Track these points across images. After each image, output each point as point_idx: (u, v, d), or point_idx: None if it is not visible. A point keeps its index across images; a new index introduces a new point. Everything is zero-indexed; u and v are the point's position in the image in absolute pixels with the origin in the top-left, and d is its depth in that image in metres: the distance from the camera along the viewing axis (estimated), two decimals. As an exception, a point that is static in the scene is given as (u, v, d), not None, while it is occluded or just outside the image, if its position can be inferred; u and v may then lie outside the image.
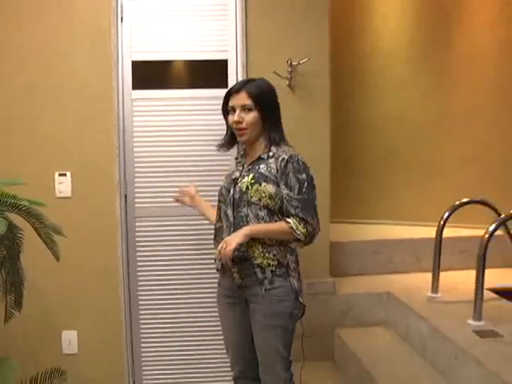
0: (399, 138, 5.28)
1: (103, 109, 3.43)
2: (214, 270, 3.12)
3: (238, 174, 2.61)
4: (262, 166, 2.53)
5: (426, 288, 3.72)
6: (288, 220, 2.43)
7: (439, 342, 3.08)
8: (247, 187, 2.49)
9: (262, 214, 2.47)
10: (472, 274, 3.14)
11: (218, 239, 2.61)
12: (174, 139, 3.52)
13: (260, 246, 2.48)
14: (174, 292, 3.58)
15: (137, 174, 3.50)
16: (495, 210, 3.52)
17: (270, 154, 2.55)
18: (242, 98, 2.53)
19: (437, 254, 3.67)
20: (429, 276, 3.73)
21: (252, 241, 2.46)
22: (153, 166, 3.51)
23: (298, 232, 2.41)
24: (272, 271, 2.48)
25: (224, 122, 2.71)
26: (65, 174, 3.42)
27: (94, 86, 3.41)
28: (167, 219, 3.54)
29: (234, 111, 2.55)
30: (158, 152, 3.51)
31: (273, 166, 2.50)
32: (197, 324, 3.62)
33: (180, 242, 3.56)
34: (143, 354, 3.62)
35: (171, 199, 3.34)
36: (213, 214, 2.78)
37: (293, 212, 2.44)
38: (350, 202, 4.84)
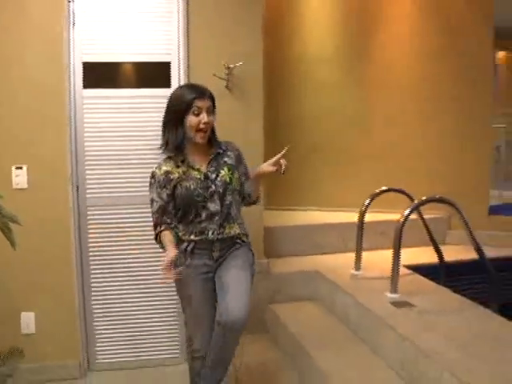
0: (325, 134, 5.59)
1: (56, 106, 3.56)
2: (163, 252, 3.41)
3: (201, 173, 2.75)
4: (226, 159, 2.84)
5: (350, 266, 4.04)
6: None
7: (361, 313, 3.37)
8: (230, 178, 2.79)
9: (237, 197, 2.86)
10: (390, 253, 3.45)
11: (192, 229, 2.77)
12: (122, 134, 3.71)
13: (237, 220, 2.86)
14: (123, 274, 3.81)
15: (87, 167, 3.68)
16: (410, 197, 3.87)
17: (223, 147, 2.86)
18: (207, 102, 2.71)
19: (359, 236, 4.01)
20: (353, 256, 4.05)
21: (232, 219, 2.82)
22: (102, 159, 3.70)
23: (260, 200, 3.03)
24: (244, 240, 2.89)
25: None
26: (21, 168, 3.54)
27: (47, 85, 3.53)
28: (117, 207, 3.74)
29: (199, 113, 2.69)
30: (106, 146, 3.70)
31: (232, 156, 2.85)
32: (146, 303, 3.86)
33: (129, 229, 3.77)
34: (97, 332, 3.83)
35: (120, 189, 3.62)
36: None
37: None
38: (283, 192, 5.07)
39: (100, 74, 3.68)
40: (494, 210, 5.68)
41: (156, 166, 2.82)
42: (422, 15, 5.30)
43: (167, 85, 3.73)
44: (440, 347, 2.66)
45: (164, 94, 3.56)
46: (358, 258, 4.03)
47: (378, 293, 3.51)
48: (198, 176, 2.76)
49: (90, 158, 3.70)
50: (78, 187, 3.68)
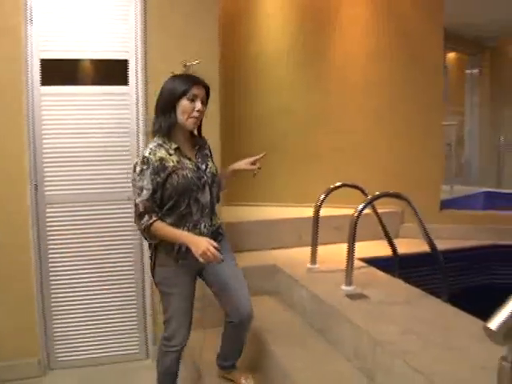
0: (282, 132, 5.65)
1: (13, 103, 3.55)
2: (122, 249, 3.43)
3: (192, 163, 2.76)
4: (206, 152, 2.92)
5: (306, 260, 4.12)
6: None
7: (317, 305, 3.44)
8: (216, 170, 2.87)
9: (217, 189, 2.91)
10: (345, 246, 3.54)
11: (185, 223, 2.74)
12: (80, 131, 3.73)
13: (216, 211, 2.93)
14: (83, 272, 3.84)
15: (46, 164, 3.68)
16: (364, 192, 3.98)
17: (202, 141, 2.91)
18: (203, 91, 2.74)
19: (315, 231, 4.09)
20: (309, 250, 4.13)
21: (215, 210, 2.90)
22: (61, 156, 3.71)
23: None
24: (223, 230, 2.97)
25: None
26: (-22, 165, 3.50)
27: (4, 81, 3.52)
28: (76, 205, 3.76)
29: (194, 100, 2.69)
30: (65, 143, 3.71)
31: (209, 150, 2.94)
32: (107, 301, 3.90)
33: (89, 226, 3.80)
34: (56, 330, 3.84)
35: (79, 186, 3.64)
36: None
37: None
38: (242, 188, 5.10)
39: (58, 71, 3.68)
40: (446, 204, 5.86)
41: (148, 151, 2.68)
42: (374, 16, 5.42)
43: (124, 82, 3.76)
44: (393, 337, 2.74)
45: (121, 91, 3.62)
46: (314, 252, 4.11)
47: (334, 286, 3.59)
48: (191, 166, 2.76)
49: (49, 155, 3.70)
50: (36, 184, 3.68)
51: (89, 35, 3.70)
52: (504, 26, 8.85)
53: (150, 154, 2.67)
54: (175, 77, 2.79)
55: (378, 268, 4.07)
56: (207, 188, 2.80)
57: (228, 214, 4.49)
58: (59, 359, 3.86)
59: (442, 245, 4.08)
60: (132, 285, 3.96)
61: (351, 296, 3.40)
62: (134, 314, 3.97)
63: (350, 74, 5.47)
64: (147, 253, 3.88)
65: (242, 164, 2.99)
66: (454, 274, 4.77)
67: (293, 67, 5.62)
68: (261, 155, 2.94)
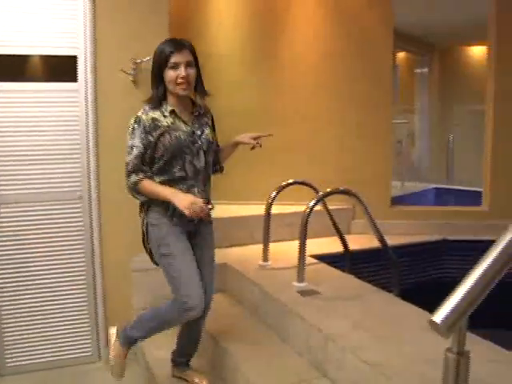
0: (234, 131, 5.50)
1: None
2: (73, 249, 3.37)
3: (188, 127, 2.76)
4: (205, 120, 2.90)
5: (258, 258, 4.12)
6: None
7: (269, 302, 3.45)
8: (212, 138, 2.83)
9: (212, 158, 2.90)
10: (297, 243, 3.56)
11: (180, 187, 2.73)
12: (29, 129, 3.66)
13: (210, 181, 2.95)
14: (33, 274, 3.77)
15: None
16: (315, 189, 4.01)
17: (203, 109, 2.90)
18: (186, 55, 2.71)
19: (266, 228, 4.10)
20: (261, 247, 4.12)
21: (209, 180, 2.92)
22: (9, 155, 3.63)
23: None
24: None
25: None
26: None
27: None
28: (26, 205, 3.69)
29: (177, 68, 2.67)
30: (14, 141, 3.64)
31: (210, 120, 2.92)
32: (57, 303, 3.84)
33: (40, 227, 3.74)
34: (5, 336, 3.75)
35: (28, 185, 3.59)
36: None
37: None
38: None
39: (6, 67, 3.61)
40: (397, 201, 5.94)
41: (141, 111, 2.73)
42: (326, 16, 5.46)
43: (74, 79, 3.70)
44: (345, 331, 2.77)
45: (71, 88, 3.55)
46: (266, 250, 4.11)
47: (286, 282, 3.60)
48: (186, 129, 2.76)
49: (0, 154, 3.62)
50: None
51: (37, 31, 3.63)
52: (452, 26, 9.03)
53: (142, 113, 2.72)
54: (160, 45, 2.77)
55: (330, 264, 4.10)
56: (202, 153, 2.80)
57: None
58: (8, 365, 3.78)
59: (392, 240, 4.13)
60: (83, 286, 3.90)
61: (303, 292, 3.42)
62: (86, 316, 3.92)
63: (301, 73, 5.49)
64: (98, 254, 3.86)
65: (245, 138, 3.02)
66: (405, 268, 4.85)
67: (244, 67, 5.62)
68: (266, 134, 3.00)
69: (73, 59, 3.69)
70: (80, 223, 3.82)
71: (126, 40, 3.79)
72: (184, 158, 2.74)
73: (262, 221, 4.13)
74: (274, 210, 4.13)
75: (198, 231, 2.91)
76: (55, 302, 3.83)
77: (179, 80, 2.68)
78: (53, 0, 3.64)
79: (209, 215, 2.88)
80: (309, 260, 3.84)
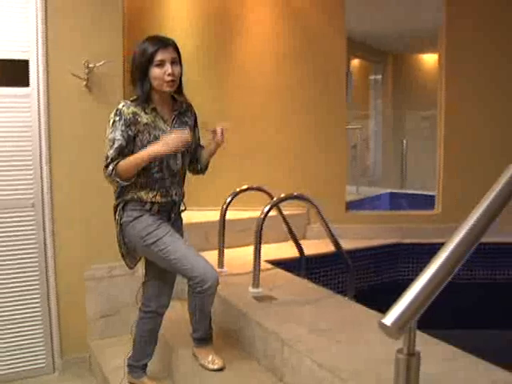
0: None
1: None
2: (26, 258, 3.31)
3: (167, 127, 2.74)
4: (187, 120, 2.86)
5: (214, 264, 4.04)
6: None
7: (225, 308, 3.43)
8: (191, 139, 2.75)
9: (189, 159, 2.89)
10: (252, 249, 3.57)
11: (158, 188, 2.75)
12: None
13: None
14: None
15: None
16: (269, 194, 4.02)
17: (184, 107, 2.89)
18: (171, 52, 2.68)
19: (221, 234, 4.09)
20: (216, 253, 4.11)
21: (183, 180, 2.91)
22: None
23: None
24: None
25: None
26: None
27: None
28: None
29: (163, 65, 2.64)
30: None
31: (191, 118, 2.92)
32: (6, 315, 3.74)
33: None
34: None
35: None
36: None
37: (201, 149, 3.03)
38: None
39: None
40: (353, 206, 6.00)
41: (122, 104, 2.70)
42: (280, 21, 5.50)
43: (26, 84, 3.63)
44: (301, 336, 2.78)
45: (22, 93, 3.49)
46: (221, 256, 4.11)
47: (241, 288, 3.60)
48: (165, 129, 2.74)
49: None
50: None
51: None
52: (404, 35, 9.19)
53: (123, 106, 2.69)
54: (142, 43, 2.71)
55: (285, 269, 4.12)
56: (179, 155, 2.79)
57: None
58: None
59: (348, 244, 4.17)
60: (36, 295, 3.82)
61: (259, 298, 3.43)
62: (39, 326, 3.83)
63: (256, 77, 5.50)
64: (51, 262, 3.79)
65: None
66: (361, 272, 4.91)
67: (199, 70, 5.58)
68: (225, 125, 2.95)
69: (24, 63, 3.62)
70: (33, 231, 3.75)
71: (78, 42, 3.74)
72: (161, 159, 2.72)
73: (216, 226, 4.12)
74: (229, 215, 4.13)
75: (174, 221, 2.92)
76: (7, 313, 3.73)
77: (166, 77, 2.65)
78: (3, 2, 3.57)
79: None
80: (264, 265, 3.85)
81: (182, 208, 3.00)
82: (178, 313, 3.87)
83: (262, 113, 5.49)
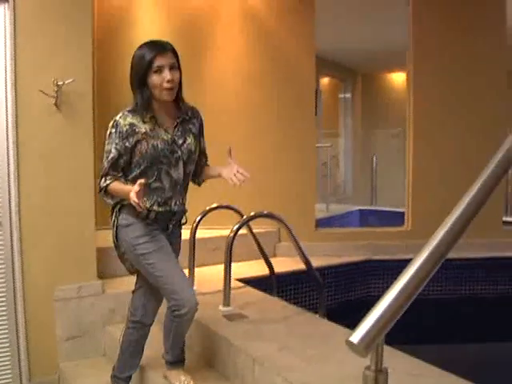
0: None
1: None
2: None
3: (168, 135, 2.68)
4: (191, 127, 2.81)
5: None
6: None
7: (196, 327, 3.33)
8: (194, 147, 2.73)
9: (193, 167, 2.82)
10: (222, 267, 3.56)
11: (156, 197, 2.70)
12: None
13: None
14: None
15: None
16: (239, 213, 4.03)
17: (189, 113, 2.82)
18: (170, 57, 2.61)
19: (191, 253, 4.07)
20: (186, 272, 4.06)
21: (186, 190, 2.85)
22: None
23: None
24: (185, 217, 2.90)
25: None
26: None
27: None
28: None
29: (161, 71, 2.57)
30: None
31: (196, 125, 2.84)
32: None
33: None
34: None
35: None
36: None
37: (205, 161, 3.01)
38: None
39: None
40: (323, 223, 6.04)
41: (119, 115, 2.64)
42: (250, 40, 5.56)
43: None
44: (271, 354, 2.78)
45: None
46: (191, 275, 4.08)
47: (212, 307, 3.58)
48: (166, 138, 2.68)
49: None
50: None
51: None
52: (373, 54, 9.34)
53: (120, 117, 2.64)
54: (139, 48, 2.66)
55: (256, 287, 4.12)
56: (181, 164, 2.72)
57: (103, 238, 4.36)
58: None
59: (318, 262, 4.20)
60: (4, 315, 3.74)
61: (229, 316, 3.42)
62: (7, 349, 3.75)
63: (225, 96, 5.54)
64: (19, 282, 3.73)
65: (225, 174, 2.81)
66: (331, 289, 4.93)
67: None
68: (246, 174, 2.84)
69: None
70: (0, 251, 3.68)
71: (47, 60, 3.71)
72: (160, 169, 2.67)
73: (186, 245, 4.04)
74: (199, 234, 4.12)
75: (171, 232, 2.87)
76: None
77: (165, 84, 2.59)
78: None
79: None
80: (235, 284, 3.85)
81: (183, 221, 2.94)
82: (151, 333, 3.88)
83: (231, 131, 5.50)
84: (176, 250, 2.93)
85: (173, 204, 2.75)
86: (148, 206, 2.68)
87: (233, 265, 3.62)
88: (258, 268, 4.60)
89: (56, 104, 3.73)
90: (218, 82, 5.55)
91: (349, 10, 7.17)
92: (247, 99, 5.50)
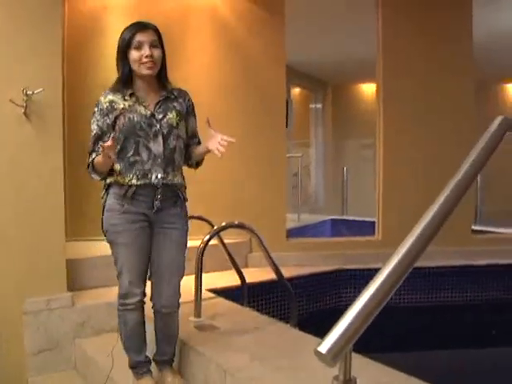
0: None
1: None
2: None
3: (148, 111, 2.73)
4: (175, 105, 2.84)
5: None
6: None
7: None
8: (177, 123, 2.74)
9: (182, 145, 2.82)
10: (193, 278, 3.56)
11: (135, 171, 2.71)
12: None
13: (181, 170, 2.85)
14: None
15: None
16: (210, 223, 4.04)
17: (175, 93, 2.87)
18: (151, 34, 2.71)
19: (162, 264, 4.08)
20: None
21: (176, 167, 2.80)
22: None
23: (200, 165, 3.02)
24: (184, 195, 2.88)
25: None
26: None
27: None
28: None
29: (141, 47, 2.67)
30: None
31: (183, 104, 2.86)
32: None
33: None
34: None
35: None
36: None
37: (198, 142, 2.99)
38: (86, 222, 4.93)
39: None
40: (295, 233, 6.06)
41: (102, 94, 2.75)
42: (221, 50, 5.59)
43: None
44: (242, 364, 2.78)
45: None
46: (163, 285, 4.05)
47: (183, 318, 3.51)
48: (144, 112, 2.73)
49: None
50: None
51: None
52: (343, 65, 9.43)
53: (102, 96, 2.76)
54: (124, 29, 2.76)
55: (227, 298, 4.10)
56: (160, 137, 2.73)
57: (72, 249, 4.35)
58: None
59: (289, 272, 4.21)
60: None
61: (200, 327, 3.41)
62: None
63: (197, 104, 5.51)
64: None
65: (212, 144, 2.85)
66: (303, 299, 4.94)
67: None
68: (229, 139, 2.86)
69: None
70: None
71: (16, 71, 3.68)
72: (137, 142, 2.71)
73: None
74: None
75: (157, 219, 2.82)
76: None
77: (144, 59, 2.67)
78: None
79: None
80: (206, 294, 3.83)
81: (181, 197, 2.90)
82: (118, 345, 3.84)
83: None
84: (175, 229, 2.87)
85: (153, 177, 2.73)
86: (127, 181, 2.72)
87: (204, 275, 3.62)
88: (229, 278, 4.59)
89: (25, 113, 3.69)
90: (191, 89, 5.52)
91: (319, 22, 7.24)
92: (218, 110, 5.49)
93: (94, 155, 2.73)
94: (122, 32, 2.76)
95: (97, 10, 5.45)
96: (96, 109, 2.76)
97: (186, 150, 2.95)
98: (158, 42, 2.75)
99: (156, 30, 2.76)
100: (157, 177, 2.74)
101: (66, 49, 4.81)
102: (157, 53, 2.72)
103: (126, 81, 2.75)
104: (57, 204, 3.81)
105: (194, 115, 3.01)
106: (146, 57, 2.67)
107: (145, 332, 2.98)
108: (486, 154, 1.78)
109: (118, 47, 2.74)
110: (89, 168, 2.77)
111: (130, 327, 2.90)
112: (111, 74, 5.52)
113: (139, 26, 2.71)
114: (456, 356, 4.61)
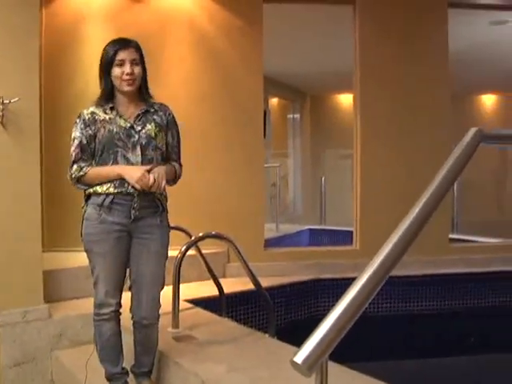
0: None
1: None
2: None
3: (127, 123, 2.80)
4: (155, 118, 2.90)
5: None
6: (174, 164, 2.99)
7: None
8: (155, 134, 2.79)
9: (160, 158, 2.84)
10: (171, 288, 3.55)
11: (113, 180, 2.74)
12: None
13: None
14: None
15: None
16: (187, 233, 4.03)
17: (155, 107, 2.95)
18: (132, 53, 2.80)
19: (139, 274, 4.06)
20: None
21: None
22: None
23: (178, 174, 3.04)
24: (164, 205, 2.90)
25: None
26: None
27: None
28: None
29: (122, 65, 2.76)
30: None
31: (163, 118, 2.91)
32: None
33: None
34: None
35: None
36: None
37: (175, 158, 3.02)
38: (63, 233, 4.88)
39: None
40: (273, 243, 6.07)
41: (86, 108, 2.86)
42: (198, 60, 5.60)
43: None
44: (221, 375, 2.78)
45: None
46: (140, 296, 4.03)
47: (160, 329, 3.49)
48: (124, 124, 2.80)
49: None
50: None
51: None
52: (321, 76, 9.50)
53: (85, 109, 2.85)
54: (107, 44, 2.84)
55: (205, 308, 4.10)
56: (138, 148, 2.78)
57: (50, 260, 4.31)
58: None
59: (267, 282, 4.22)
60: None
61: (178, 338, 3.40)
62: None
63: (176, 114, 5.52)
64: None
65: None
66: (281, 309, 4.95)
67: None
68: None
69: None
70: None
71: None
72: (116, 152, 2.77)
73: (136, 267, 4.04)
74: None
75: (135, 228, 2.84)
76: None
77: (125, 76, 2.76)
78: None
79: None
80: (183, 305, 3.82)
81: (160, 208, 2.90)
82: (93, 355, 3.81)
83: (189, 156, 5.49)
84: (153, 240, 2.87)
85: (130, 186, 2.75)
86: (105, 189, 2.76)
87: (182, 286, 3.62)
88: (207, 289, 4.56)
89: (2, 123, 3.67)
90: (166, 102, 5.52)
91: (297, 33, 7.29)
92: (195, 120, 5.50)
93: (85, 168, 2.78)
94: (105, 48, 2.83)
95: (75, 20, 5.44)
96: (78, 120, 2.83)
97: (165, 163, 2.95)
98: (139, 60, 2.84)
99: (137, 48, 2.85)
100: (133, 186, 2.75)
101: (44, 58, 4.79)
102: (137, 70, 2.81)
103: (108, 96, 2.84)
104: (33, 215, 3.78)
105: (177, 130, 3.06)
106: (127, 74, 2.77)
107: (121, 343, 2.98)
108: (460, 164, 1.81)
109: (101, 64, 2.82)
110: (73, 177, 2.80)
111: (105, 338, 2.91)
112: (89, 83, 5.57)
113: (121, 44, 2.80)
114: (435, 365, 4.64)
